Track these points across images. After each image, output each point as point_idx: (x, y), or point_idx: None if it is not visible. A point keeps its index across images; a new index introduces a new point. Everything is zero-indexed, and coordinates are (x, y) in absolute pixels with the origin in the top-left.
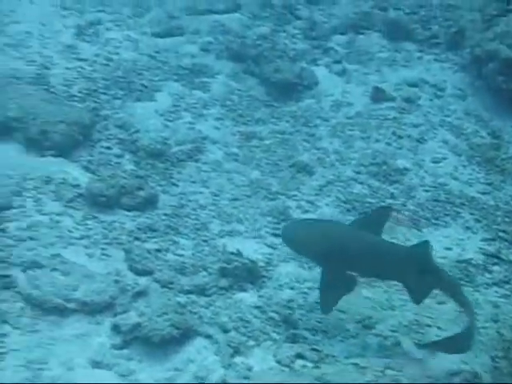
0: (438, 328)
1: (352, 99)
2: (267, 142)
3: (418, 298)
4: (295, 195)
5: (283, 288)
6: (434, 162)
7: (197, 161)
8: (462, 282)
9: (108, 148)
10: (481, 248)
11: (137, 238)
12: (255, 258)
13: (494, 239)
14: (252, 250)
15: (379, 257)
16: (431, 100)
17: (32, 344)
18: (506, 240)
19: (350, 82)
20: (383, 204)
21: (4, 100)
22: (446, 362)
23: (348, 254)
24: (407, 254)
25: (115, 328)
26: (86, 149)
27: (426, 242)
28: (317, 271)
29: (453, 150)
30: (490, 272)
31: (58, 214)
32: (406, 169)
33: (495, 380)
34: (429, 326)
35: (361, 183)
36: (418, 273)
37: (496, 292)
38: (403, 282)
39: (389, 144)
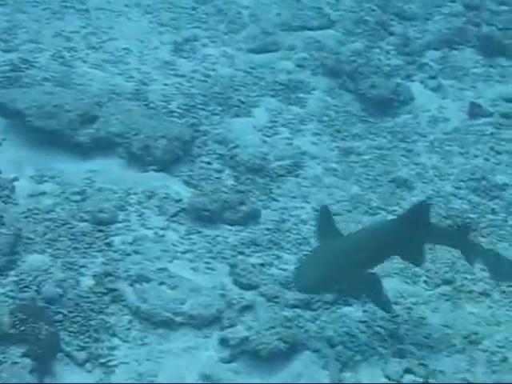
0: None
1: (449, 115)
2: (366, 157)
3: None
4: (395, 210)
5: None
6: None
7: (296, 176)
8: None
9: (208, 163)
10: None
11: (240, 253)
12: None
13: None
14: None
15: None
16: None
17: (141, 357)
18: None
19: (445, 97)
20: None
21: (106, 115)
22: None
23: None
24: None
25: (223, 342)
26: (187, 164)
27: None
28: (421, 286)
29: None
30: None
31: (161, 229)
32: (505, 184)
33: None
34: None
35: (461, 198)
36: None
37: None
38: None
39: (487, 159)
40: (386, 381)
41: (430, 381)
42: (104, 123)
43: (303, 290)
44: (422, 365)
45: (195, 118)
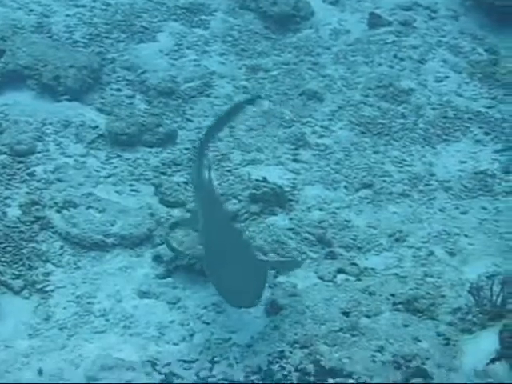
0: (466, 236)
1: (349, 26)
2: (274, 73)
3: None
4: (309, 122)
5: (312, 209)
6: (437, 81)
7: (208, 96)
8: (480, 193)
9: (118, 90)
10: (494, 159)
11: (163, 173)
12: (281, 183)
13: (504, 150)
14: (276, 176)
15: None
16: (426, 22)
17: (77, 280)
18: None
19: (344, 10)
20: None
21: (13, 49)
22: (481, 266)
23: None
24: None
25: (157, 258)
26: (98, 92)
27: None
28: (342, 191)
29: (453, 68)
30: (507, 181)
31: (81, 156)
32: (411, 89)
33: None
34: (457, 234)
35: (370, 106)
36: None
37: None
38: None
39: (391, 67)
40: (320, 282)
41: (362, 278)
42: (11, 57)
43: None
44: (353, 264)
45: (101, 46)
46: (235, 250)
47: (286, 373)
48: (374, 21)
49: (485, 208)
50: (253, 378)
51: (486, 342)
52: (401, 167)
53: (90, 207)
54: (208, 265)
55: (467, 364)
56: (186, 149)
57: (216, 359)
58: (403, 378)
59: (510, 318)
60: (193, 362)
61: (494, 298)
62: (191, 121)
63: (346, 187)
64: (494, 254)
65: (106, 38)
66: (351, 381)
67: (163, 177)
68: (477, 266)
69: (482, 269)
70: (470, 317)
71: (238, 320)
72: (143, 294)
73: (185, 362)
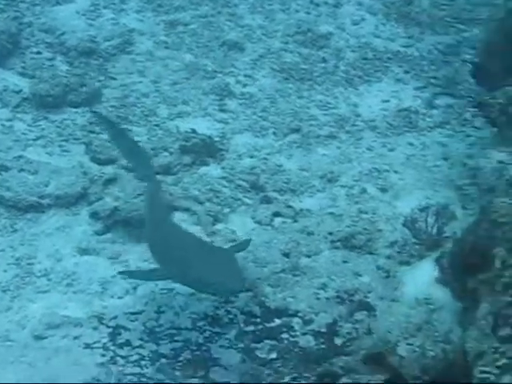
0: (396, 172)
1: None
2: (192, 26)
3: None
4: (232, 72)
5: (242, 157)
6: (355, 24)
7: (129, 53)
8: (406, 129)
9: (38, 53)
10: (415, 96)
11: (91, 131)
12: (210, 133)
13: (425, 86)
14: (204, 127)
15: None
16: None
17: (15, 243)
18: (438, 85)
19: None
20: None
21: None
22: (413, 199)
23: None
24: None
25: (94, 215)
26: (18, 56)
27: None
28: (271, 138)
29: (369, 10)
30: (430, 116)
31: (8, 120)
32: (329, 33)
33: (465, 205)
34: (387, 171)
35: (291, 52)
36: None
37: (440, 133)
38: None
39: (308, 13)
40: (257, 226)
41: (299, 219)
42: None
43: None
44: (289, 207)
45: (17, 11)
46: (195, 244)
47: (232, 316)
48: None
49: (411, 144)
50: (199, 323)
51: (425, 272)
52: (326, 110)
53: (22, 170)
54: (180, 266)
55: (408, 294)
56: (112, 106)
57: (162, 309)
58: (347, 311)
59: (446, 246)
60: (139, 313)
61: (430, 228)
62: (115, 79)
63: (274, 133)
64: (424, 187)
65: (22, 2)
66: (297, 319)
67: (92, 135)
68: (409, 199)
69: (415, 202)
70: (407, 249)
71: None
72: (83, 251)
73: (131, 314)
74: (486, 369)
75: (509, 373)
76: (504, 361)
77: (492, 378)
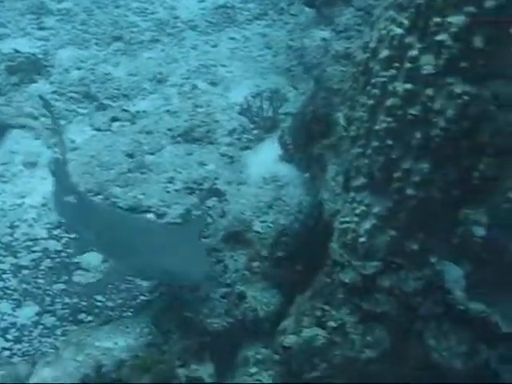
0: (223, 66)
1: None
2: None
3: None
4: None
5: (70, 70)
6: None
7: None
8: (226, 25)
9: None
10: None
11: None
12: (33, 51)
13: None
14: (27, 46)
15: None
16: None
17: None
18: None
19: None
20: None
21: None
22: (244, 88)
23: None
24: None
25: None
26: None
27: None
28: (94, 48)
29: None
30: (248, 10)
31: None
32: None
33: (296, 85)
34: (214, 66)
35: None
36: None
37: (259, 25)
38: None
39: None
40: (97, 133)
41: (136, 121)
42: None
43: None
44: (124, 111)
45: None
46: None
47: None
48: None
49: (233, 38)
50: (55, 232)
51: (268, 152)
52: (145, 16)
53: None
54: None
55: (254, 175)
56: None
57: (15, 224)
58: (199, 200)
59: (284, 126)
60: None
61: (265, 113)
62: None
63: (97, 44)
64: (253, 76)
65: None
66: (150, 215)
67: None
68: (240, 89)
69: (246, 91)
70: (246, 135)
71: (26, 183)
72: None
73: None
74: (346, 219)
75: (367, 219)
76: (362, 208)
77: (352, 225)
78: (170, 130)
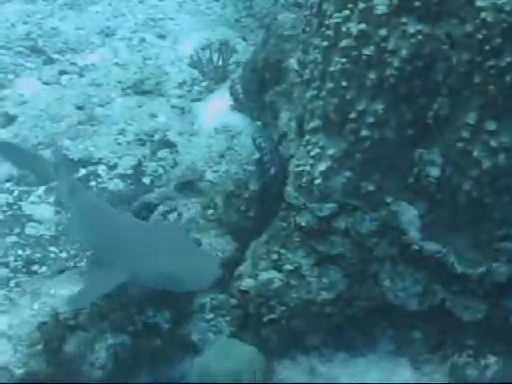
0: (171, 19)
1: None
2: None
3: None
4: None
5: (16, 25)
6: None
7: None
8: None
9: None
10: None
11: None
12: None
13: None
14: None
15: None
16: None
17: None
18: None
19: None
20: None
21: None
22: (193, 41)
23: None
24: None
25: None
26: None
27: None
28: (41, 3)
29: None
30: None
31: None
32: None
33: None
34: (162, 19)
35: None
36: None
37: None
38: None
39: None
40: (45, 86)
41: (85, 74)
42: None
43: None
44: (73, 64)
45: None
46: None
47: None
48: None
49: None
50: (6, 186)
51: (219, 102)
52: None
53: None
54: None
55: (205, 126)
56: None
57: None
58: (150, 151)
59: (235, 76)
60: None
61: (214, 64)
62: None
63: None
64: (202, 29)
65: None
66: (102, 166)
67: None
68: (189, 42)
69: (195, 43)
70: (196, 87)
71: None
72: None
73: None
74: (301, 162)
75: (322, 161)
76: (317, 150)
77: (307, 168)
78: (119, 82)
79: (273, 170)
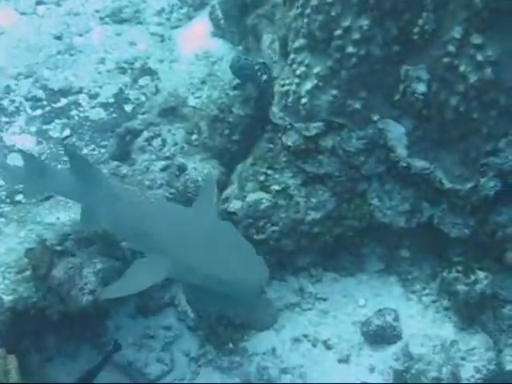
0: None
1: None
2: None
3: None
4: None
5: None
6: None
7: None
8: None
9: None
10: None
11: None
12: None
13: None
14: None
15: None
16: None
17: None
18: None
19: None
20: None
21: None
22: None
23: None
24: None
25: None
26: None
27: None
28: None
29: None
30: None
31: None
32: None
33: None
34: None
35: None
36: None
37: None
38: None
39: None
40: (23, 17)
41: (61, 3)
42: None
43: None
44: None
45: None
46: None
47: (17, 105)
48: None
49: None
50: None
51: (198, 28)
52: None
53: None
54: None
55: (186, 52)
56: None
57: None
58: (131, 79)
59: (214, 3)
60: None
61: None
62: None
63: None
64: None
65: None
66: (82, 96)
67: None
68: None
69: None
70: (175, 14)
71: None
72: None
73: None
74: (286, 81)
75: (308, 79)
76: (302, 69)
77: (293, 87)
78: (97, 11)
79: (265, 77)
